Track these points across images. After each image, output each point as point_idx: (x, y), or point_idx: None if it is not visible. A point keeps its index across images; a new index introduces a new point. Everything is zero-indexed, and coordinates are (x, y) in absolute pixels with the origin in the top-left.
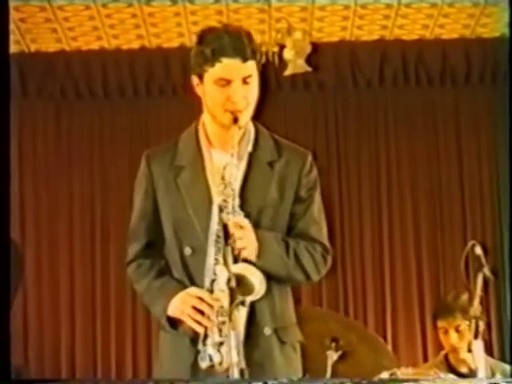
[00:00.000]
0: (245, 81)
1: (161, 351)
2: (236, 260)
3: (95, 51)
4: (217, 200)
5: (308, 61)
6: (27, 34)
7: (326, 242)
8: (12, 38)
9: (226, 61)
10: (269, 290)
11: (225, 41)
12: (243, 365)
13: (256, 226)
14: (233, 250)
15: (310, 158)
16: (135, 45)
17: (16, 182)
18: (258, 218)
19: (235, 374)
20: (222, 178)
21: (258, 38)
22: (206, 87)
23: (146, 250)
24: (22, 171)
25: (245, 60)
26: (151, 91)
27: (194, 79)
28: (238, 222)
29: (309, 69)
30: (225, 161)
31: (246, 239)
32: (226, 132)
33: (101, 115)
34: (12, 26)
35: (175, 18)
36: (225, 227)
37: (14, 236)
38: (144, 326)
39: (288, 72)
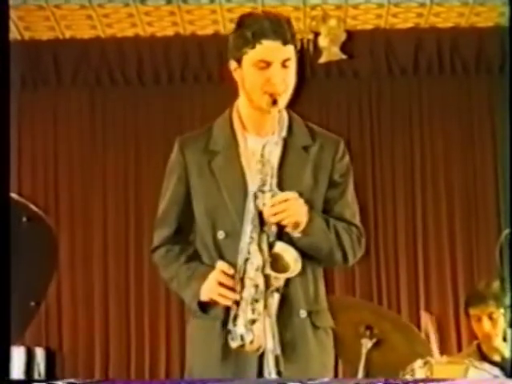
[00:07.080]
0: (284, 64)
1: (193, 338)
2: (280, 236)
3: (130, 38)
4: (255, 178)
5: (343, 48)
6: (62, 21)
7: (360, 225)
8: (47, 24)
9: (266, 43)
10: (303, 272)
11: (265, 24)
12: (278, 351)
13: None
14: (267, 236)
15: (342, 145)
16: (170, 32)
17: (51, 168)
18: None
19: (270, 361)
20: (262, 156)
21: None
22: (245, 70)
23: (175, 235)
24: (57, 158)
25: (285, 43)
26: (186, 78)
27: (232, 64)
28: (282, 197)
29: (343, 56)
30: (260, 145)
31: (292, 208)
32: (261, 116)
33: (135, 102)
34: (47, 13)
35: (210, 5)
36: (260, 214)
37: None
38: (178, 324)
39: (323, 59)
